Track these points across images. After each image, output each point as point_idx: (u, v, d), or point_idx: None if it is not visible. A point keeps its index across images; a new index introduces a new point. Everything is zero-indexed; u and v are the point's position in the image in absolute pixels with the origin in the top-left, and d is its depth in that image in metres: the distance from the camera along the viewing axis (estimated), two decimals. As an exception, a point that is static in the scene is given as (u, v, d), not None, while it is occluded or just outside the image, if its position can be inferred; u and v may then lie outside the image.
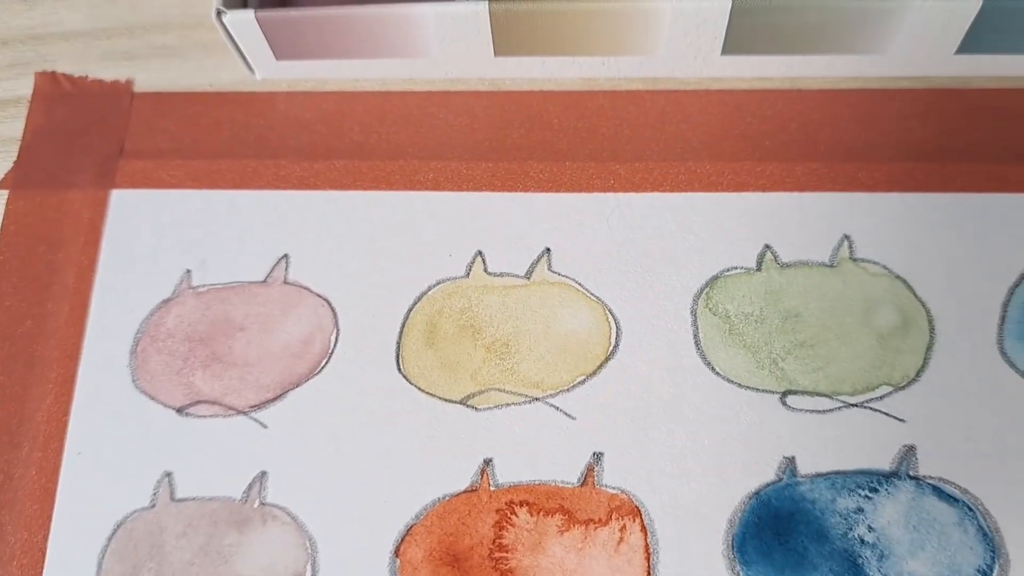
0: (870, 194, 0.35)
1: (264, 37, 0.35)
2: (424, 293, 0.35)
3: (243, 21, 0.34)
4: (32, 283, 0.36)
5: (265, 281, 0.35)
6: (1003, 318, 0.33)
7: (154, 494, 0.33)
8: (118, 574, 0.32)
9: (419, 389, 0.33)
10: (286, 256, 0.36)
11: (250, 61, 0.37)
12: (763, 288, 0.34)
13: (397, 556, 0.32)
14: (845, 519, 0.31)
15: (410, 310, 0.34)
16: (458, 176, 0.36)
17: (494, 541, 0.31)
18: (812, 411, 0.32)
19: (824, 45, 0.35)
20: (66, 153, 0.38)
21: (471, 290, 0.34)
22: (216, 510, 0.33)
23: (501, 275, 0.35)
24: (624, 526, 0.31)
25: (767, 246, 0.34)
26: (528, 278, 0.35)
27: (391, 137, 0.37)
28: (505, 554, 0.31)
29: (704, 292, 0.34)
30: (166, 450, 0.34)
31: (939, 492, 0.31)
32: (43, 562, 0.33)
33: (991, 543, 0.30)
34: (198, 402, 0.34)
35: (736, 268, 0.34)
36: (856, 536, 0.31)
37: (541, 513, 0.32)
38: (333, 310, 0.35)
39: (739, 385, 0.33)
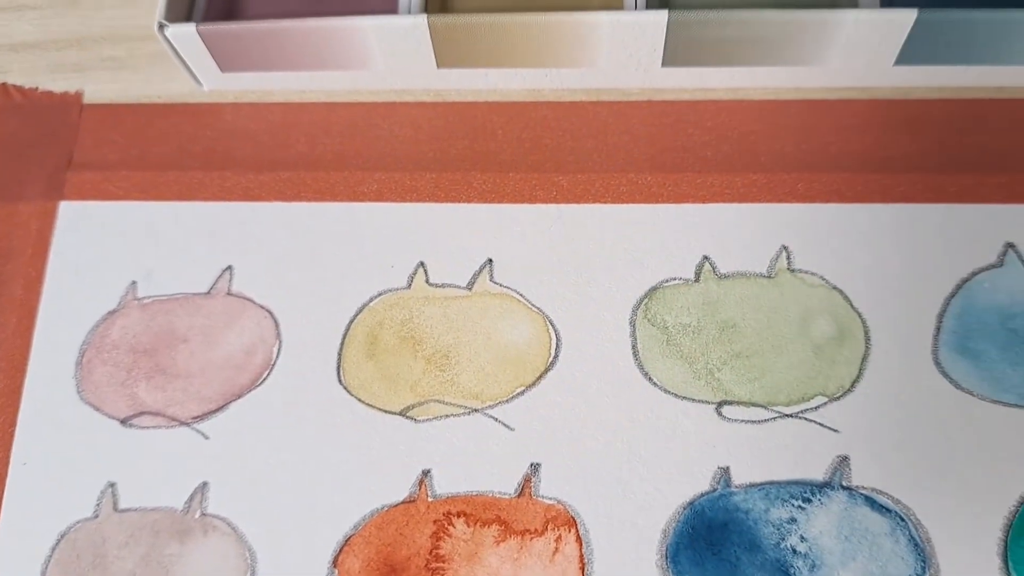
0: (809, 205, 0.35)
1: (207, 50, 0.35)
2: (366, 304, 0.35)
3: (185, 34, 0.35)
4: (-21, 294, 0.37)
5: (209, 293, 0.36)
6: (938, 329, 0.33)
7: (97, 504, 0.33)
8: (60, 585, 0.32)
9: (359, 400, 0.34)
10: (230, 267, 0.36)
11: (196, 73, 0.37)
12: (701, 299, 0.34)
13: (335, 566, 0.32)
14: (778, 529, 0.31)
15: (351, 321, 0.35)
16: (401, 187, 0.36)
17: (431, 551, 0.32)
18: (747, 421, 0.33)
19: (764, 57, 0.35)
20: (16, 165, 0.39)
21: (412, 301, 0.35)
22: (158, 520, 0.33)
23: (442, 286, 0.35)
24: (560, 536, 0.32)
25: (705, 257, 0.35)
26: (469, 289, 0.35)
27: (336, 148, 0.37)
28: (442, 564, 0.32)
29: (643, 303, 0.34)
30: (110, 461, 0.34)
31: (871, 502, 0.31)
32: (-13, 573, 0.33)
33: (922, 553, 0.31)
34: (141, 413, 0.34)
35: (675, 279, 0.34)
36: (788, 546, 0.31)
37: (478, 524, 0.32)
38: (276, 321, 0.35)
39: (676, 395, 0.33)
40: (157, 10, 0.35)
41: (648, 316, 0.34)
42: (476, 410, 0.33)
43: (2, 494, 0.34)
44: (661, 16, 0.33)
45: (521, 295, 0.35)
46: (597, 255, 0.35)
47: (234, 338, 0.35)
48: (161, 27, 0.35)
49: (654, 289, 0.34)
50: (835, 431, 0.32)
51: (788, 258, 0.34)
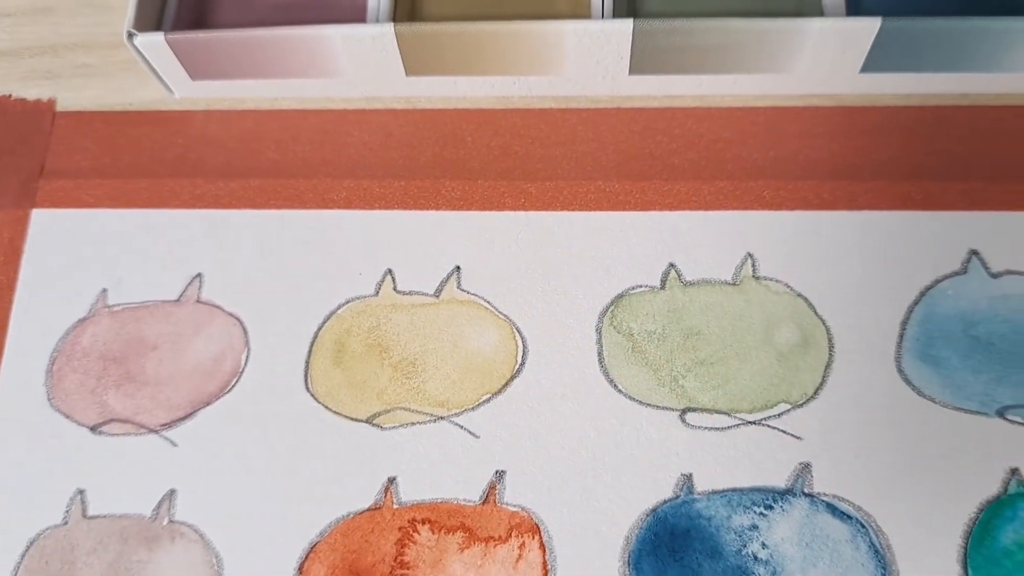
0: (775, 212, 0.35)
1: (177, 58, 0.35)
2: (333, 312, 0.35)
3: (154, 43, 0.35)
4: (-48, 302, 0.37)
5: (178, 300, 0.36)
6: (901, 336, 0.33)
7: (66, 511, 0.34)
8: (29, 591, 0.33)
9: (326, 408, 0.34)
10: (200, 275, 0.36)
11: (167, 81, 0.37)
12: (666, 306, 0.34)
13: (301, 573, 0.32)
14: (740, 536, 0.31)
15: (319, 329, 0.35)
16: (370, 194, 0.36)
17: (396, 558, 0.32)
18: (711, 428, 0.33)
19: (730, 65, 0.35)
20: (-12, 172, 0.39)
21: (380, 308, 0.35)
22: (126, 527, 0.33)
23: (410, 293, 0.35)
24: (523, 543, 0.32)
25: (671, 264, 0.35)
26: (437, 296, 0.35)
27: (306, 156, 0.37)
28: (406, 571, 0.32)
29: (609, 310, 0.34)
30: (79, 468, 0.34)
31: (833, 509, 0.32)
32: (-44, 579, 0.33)
33: (883, 560, 0.31)
34: (111, 420, 0.35)
35: (641, 286, 0.35)
36: (750, 553, 0.31)
37: (442, 531, 0.32)
38: (244, 329, 0.35)
39: (640, 402, 0.33)
40: (126, 19, 0.35)
41: (614, 323, 0.34)
42: (442, 418, 0.33)
43: (-28, 501, 0.34)
44: (626, 25, 0.33)
45: (488, 302, 0.35)
46: (564, 262, 0.35)
47: (203, 346, 0.35)
48: (130, 36, 0.35)
49: (620, 296, 0.35)
50: (798, 438, 0.33)
51: (753, 265, 0.35)
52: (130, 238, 0.37)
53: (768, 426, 0.33)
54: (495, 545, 0.32)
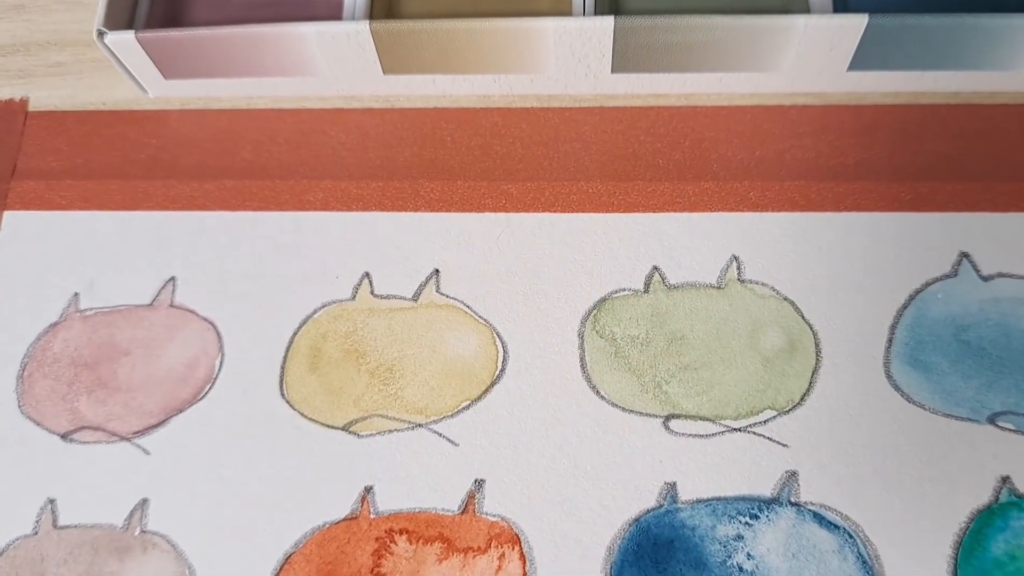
0: (761, 214, 0.34)
1: (148, 57, 0.35)
2: (309, 316, 0.34)
3: (125, 41, 0.34)
4: (-80, 306, 0.36)
5: (152, 304, 0.35)
6: (890, 341, 0.33)
7: (37, 521, 0.33)
8: (-3, 604, 0.32)
9: (302, 415, 0.33)
10: (173, 279, 0.35)
11: (139, 80, 0.36)
12: (650, 310, 0.33)
13: (276, 585, 0.31)
14: (724, 546, 0.31)
15: (295, 334, 0.34)
16: (348, 196, 0.36)
17: (372, 570, 0.31)
18: (695, 435, 0.32)
19: (715, 62, 0.34)
20: (-42, 173, 0.38)
21: (357, 313, 0.34)
22: (98, 538, 0.33)
23: (388, 297, 0.34)
24: (503, 554, 0.31)
25: (655, 267, 0.34)
26: (415, 300, 0.34)
27: (282, 156, 0.36)
28: (383, 583, 0.31)
29: (592, 314, 0.34)
30: (50, 476, 0.33)
31: (820, 519, 0.31)
32: (-76, 591, 0.32)
33: (871, 571, 0.30)
34: (82, 428, 0.34)
35: (624, 290, 0.34)
36: (735, 564, 0.31)
37: (420, 541, 0.31)
38: (218, 334, 0.34)
39: (623, 409, 0.33)
40: (97, 17, 0.34)
41: (597, 328, 0.33)
42: (420, 425, 0.33)
43: (-59, 510, 0.33)
44: (607, 22, 0.32)
45: (468, 307, 0.34)
46: (546, 265, 0.34)
47: (176, 351, 0.34)
48: (100, 34, 0.34)
49: (603, 300, 0.34)
50: (784, 445, 0.32)
51: (738, 268, 0.34)
52: (103, 241, 0.36)
53: (754, 433, 0.32)
54: (474, 556, 0.31)
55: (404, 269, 0.35)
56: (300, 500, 0.32)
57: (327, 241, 0.35)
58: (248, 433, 0.33)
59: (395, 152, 0.36)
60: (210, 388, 0.34)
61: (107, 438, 0.34)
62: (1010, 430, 0.32)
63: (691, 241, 0.34)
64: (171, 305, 0.35)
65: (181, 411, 0.34)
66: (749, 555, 0.31)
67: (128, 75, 0.36)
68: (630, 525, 0.31)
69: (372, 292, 0.34)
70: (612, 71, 0.35)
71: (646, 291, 0.34)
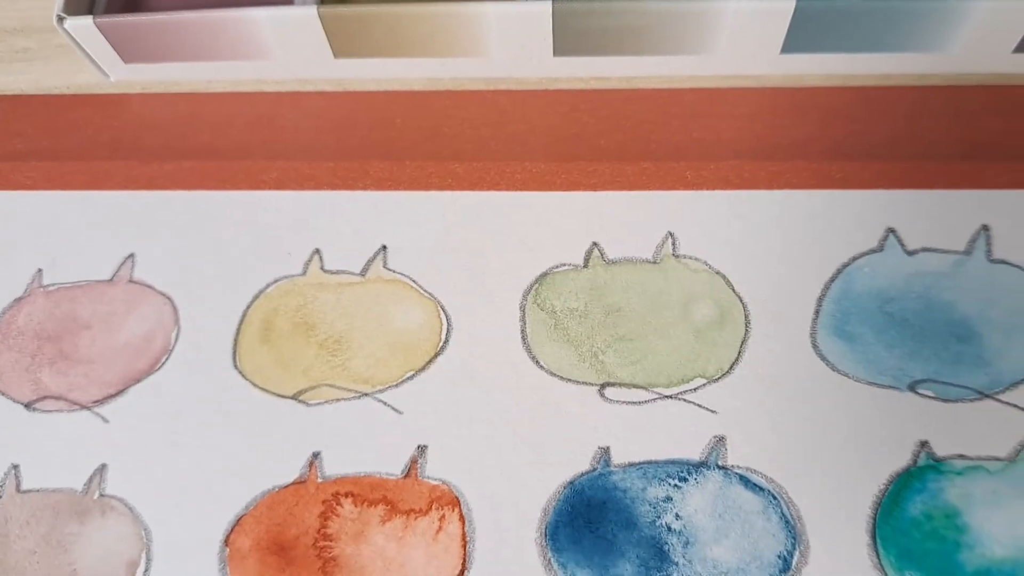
0: (697, 192, 0.36)
1: (108, 42, 0.36)
2: (262, 291, 0.36)
3: (83, 27, 0.35)
4: None
5: (111, 280, 0.36)
6: (817, 312, 0.34)
7: (0, 486, 0.34)
8: (-38, 564, 0.33)
9: (254, 385, 0.35)
10: (132, 255, 0.37)
11: (100, 65, 0.38)
12: (588, 284, 0.35)
13: (227, 545, 0.33)
14: (654, 507, 0.32)
15: (247, 308, 0.35)
16: (300, 175, 0.37)
17: (319, 531, 0.33)
18: (629, 403, 0.33)
19: (652, 46, 0.35)
20: (-72, 155, 0.39)
21: (307, 288, 0.35)
22: (59, 501, 0.34)
23: (337, 273, 0.36)
24: (443, 516, 0.33)
25: (595, 243, 0.35)
26: (363, 275, 0.36)
27: (239, 138, 0.38)
28: (329, 543, 0.32)
29: (533, 288, 0.35)
30: (13, 444, 0.35)
31: (745, 481, 0.32)
32: None
33: (793, 531, 0.32)
34: (45, 397, 0.35)
35: (564, 265, 0.35)
36: (664, 524, 0.32)
37: (365, 504, 0.33)
38: (175, 308, 0.36)
39: (561, 378, 0.34)
40: (56, 2, 0.36)
41: (537, 301, 0.35)
42: (366, 394, 0.34)
43: (-91, 477, 0.35)
44: (545, 6, 0.34)
45: (414, 281, 0.35)
46: (490, 242, 0.36)
47: (134, 324, 0.36)
48: (60, 19, 0.35)
49: (544, 275, 0.35)
50: (713, 412, 0.33)
51: (674, 244, 0.35)
52: (65, 219, 0.37)
53: (684, 400, 0.33)
54: (416, 517, 0.33)
55: (353, 245, 0.36)
56: (251, 465, 0.34)
57: (280, 219, 0.37)
58: (202, 402, 0.35)
59: (347, 134, 0.37)
60: (167, 359, 0.35)
61: (68, 407, 0.35)
62: (929, 397, 0.33)
63: (629, 218, 0.36)
64: (130, 281, 0.36)
65: (139, 381, 0.35)
66: (677, 515, 0.32)
67: (89, 59, 0.38)
68: (565, 487, 0.33)
69: (322, 268, 0.36)
70: (554, 55, 0.36)
71: (585, 266, 0.35)
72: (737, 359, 0.34)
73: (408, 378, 0.34)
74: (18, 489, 0.34)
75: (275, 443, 0.34)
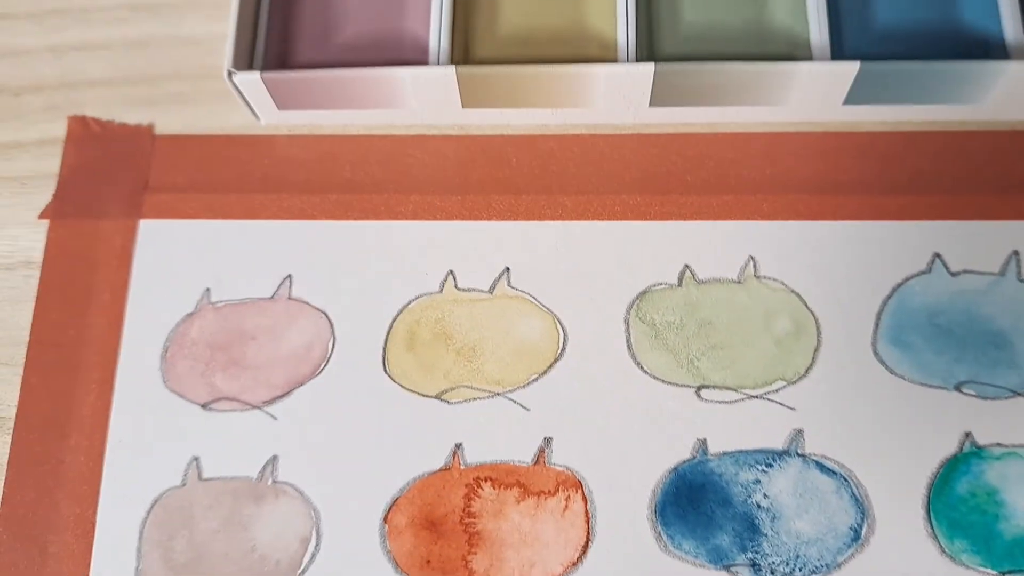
0: (772, 222, 0.42)
1: (268, 92, 0.42)
2: (405, 306, 0.42)
3: (250, 81, 0.41)
4: (73, 300, 0.43)
5: (272, 297, 0.42)
6: (877, 325, 0.40)
7: (184, 475, 0.40)
8: (156, 540, 0.39)
9: (401, 387, 0.41)
10: (289, 276, 0.43)
11: (256, 110, 0.44)
12: (683, 301, 0.41)
13: (386, 522, 0.39)
14: (745, 488, 0.39)
15: (393, 320, 0.41)
16: (432, 207, 0.43)
17: (464, 509, 0.39)
18: (721, 402, 0.40)
19: (735, 99, 0.42)
20: (98, 187, 0.45)
21: (444, 303, 0.42)
22: (237, 488, 0.40)
23: (469, 290, 0.42)
24: (569, 496, 0.39)
25: (687, 266, 0.42)
26: (491, 293, 0.42)
27: (376, 175, 0.44)
28: (473, 519, 0.39)
29: (635, 304, 0.41)
30: (193, 439, 0.41)
31: (821, 466, 0.39)
32: (93, 532, 0.40)
33: (862, 507, 0.38)
34: (219, 399, 0.41)
35: (661, 284, 0.41)
36: (754, 502, 0.38)
37: (502, 487, 0.39)
38: (330, 321, 0.42)
39: (662, 381, 0.40)
40: (225, 59, 0.42)
41: (639, 315, 0.41)
42: (498, 394, 0.40)
43: (102, 467, 0.41)
44: (648, 68, 0.40)
45: (534, 297, 0.42)
46: (596, 263, 0.42)
47: (295, 335, 0.42)
48: (230, 74, 0.41)
49: (644, 292, 0.41)
50: (792, 409, 0.39)
51: (754, 266, 0.42)
52: (227, 244, 0.43)
53: (768, 399, 0.40)
54: (545, 498, 0.39)
55: (481, 267, 0.42)
56: (402, 455, 0.40)
57: (417, 244, 0.43)
58: (358, 401, 0.41)
59: (470, 172, 0.44)
60: (325, 365, 0.41)
61: (241, 407, 0.41)
62: (972, 395, 0.39)
63: (715, 244, 0.42)
64: (289, 298, 0.42)
65: (302, 384, 0.41)
66: (765, 495, 0.38)
67: (247, 106, 0.44)
68: (670, 472, 0.39)
69: (456, 286, 0.42)
70: (650, 105, 0.42)
71: (679, 285, 0.42)
72: (811, 365, 0.40)
73: (533, 380, 0.40)
74: (200, 478, 0.40)
75: (422, 436, 0.40)
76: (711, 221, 0.42)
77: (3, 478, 0.40)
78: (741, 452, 0.39)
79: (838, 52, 0.41)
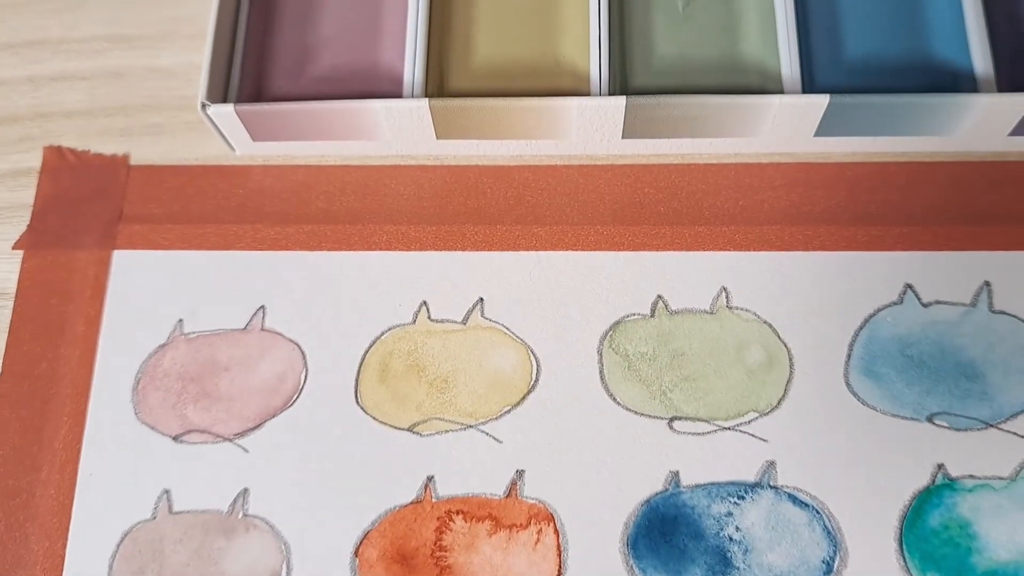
0: (744, 253, 0.42)
1: (242, 124, 0.42)
2: (378, 338, 0.42)
3: (224, 113, 0.41)
4: (46, 331, 0.43)
5: (245, 328, 0.42)
6: (849, 356, 0.41)
7: (155, 508, 0.40)
8: (126, 574, 0.39)
9: (374, 419, 0.41)
10: (263, 307, 0.43)
11: (230, 141, 0.44)
12: (656, 331, 0.41)
13: (356, 556, 0.39)
14: (718, 521, 0.39)
15: (366, 352, 0.41)
16: (407, 238, 0.43)
17: (435, 543, 0.39)
18: (693, 433, 0.40)
19: (707, 131, 0.42)
20: (72, 218, 0.45)
21: (417, 334, 0.42)
22: (207, 520, 0.40)
23: (442, 321, 0.42)
24: (540, 529, 0.39)
25: (659, 296, 0.42)
26: (465, 324, 0.42)
27: (350, 205, 0.44)
28: (444, 553, 0.39)
29: (608, 335, 0.41)
30: (164, 471, 0.41)
31: (793, 499, 0.39)
32: (62, 566, 0.39)
33: (834, 540, 0.38)
34: (191, 431, 0.41)
35: (634, 315, 0.42)
36: (726, 535, 0.38)
37: (474, 520, 0.39)
38: (303, 353, 0.42)
39: (635, 412, 0.40)
40: (200, 91, 0.42)
41: (612, 346, 0.41)
42: (471, 426, 0.40)
43: (72, 500, 0.40)
44: (620, 101, 0.40)
45: (507, 328, 0.42)
46: (570, 294, 0.42)
47: (268, 367, 0.42)
48: (204, 106, 0.42)
49: (617, 323, 0.42)
50: (764, 440, 0.40)
51: (727, 297, 0.42)
52: (201, 275, 0.43)
53: (740, 431, 0.40)
54: (517, 531, 0.39)
55: (455, 298, 0.42)
56: (374, 488, 0.40)
57: (390, 275, 0.43)
58: (330, 434, 0.41)
59: (445, 202, 0.44)
60: (297, 397, 0.41)
61: (212, 439, 0.41)
62: (944, 427, 0.40)
63: (688, 275, 0.42)
64: (262, 329, 0.42)
65: (274, 416, 0.41)
66: (737, 528, 0.38)
67: (222, 137, 0.44)
68: (642, 505, 0.39)
69: (429, 317, 0.42)
70: (623, 137, 0.43)
71: (652, 316, 0.42)
72: (783, 396, 0.40)
73: (506, 412, 0.40)
74: (170, 511, 0.40)
75: (394, 469, 0.40)
76: (684, 252, 0.42)
77: (-29, 512, 0.40)
78: (713, 484, 0.39)
79: (809, 85, 0.42)
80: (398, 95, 0.42)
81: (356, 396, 0.41)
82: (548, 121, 0.41)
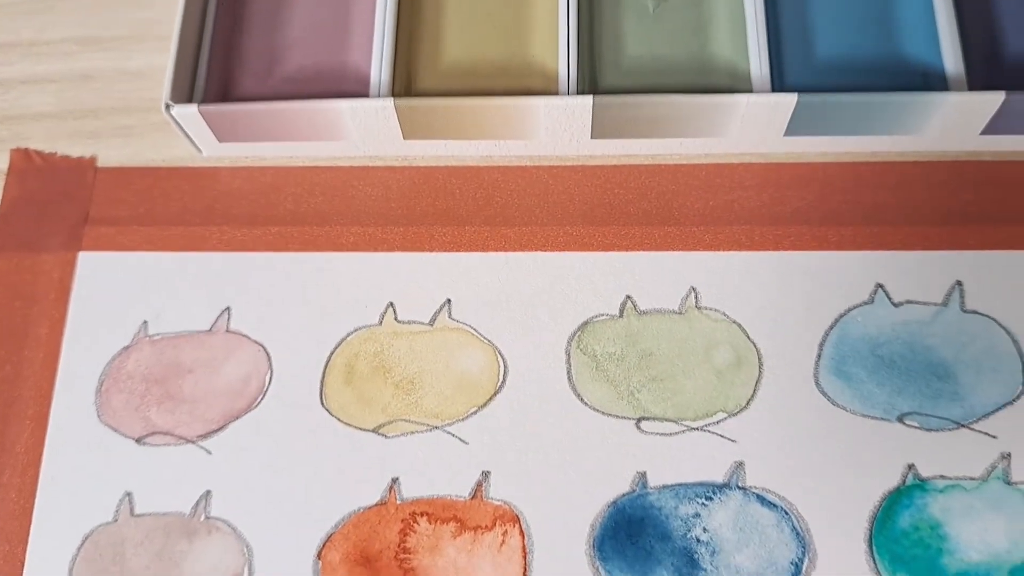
0: (714, 252, 0.42)
1: (207, 125, 0.42)
2: (343, 339, 0.41)
3: (189, 114, 0.41)
4: (10, 334, 0.43)
5: (210, 330, 0.42)
6: (819, 356, 0.40)
7: (116, 511, 0.40)
8: (86, 579, 0.39)
9: (339, 420, 0.40)
10: (228, 309, 0.42)
11: (196, 142, 0.44)
12: (624, 332, 0.41)
13: (319, 559, 0.38)
14: (685, 522, 0.38)
15: (332, 353, 0.41)
16: (374, 239, 0.43)
17: (399, 545, 0.38)
18: (661, 434, 0.39)
19: (675, 130, 0.42)
20: (38, 220, 0.45)
21: (383, 336, 0.41)
22: (169, 523, 0.39)
23: (409, 323, 0.42)
24: (506, 531, 0.38)
25: (628, 296, 0.41)
26: (431, 325, 0.41)
27: (318, 206, 0.44)
28: (408, 555, 0.38)
29: (576, 335, 0.41)
30: (127, 474, 0.40)
31: (761, 499, 0.38)
32: (22, 571, 0.39)
33: (803, 541, 0.38)
34: (153, 433, 0.41)
35: (603, 315, 0.41)
36: (694, 536, 0.38)
37: (438, 522, 0.38)
38: (268, 354, 0.41)
39: (603, 413, 0.40)
40: (164, 92, 0.42)
41: (580, 346, 0.41)
42: (437, 427, 0.40)
43: (34, 503, 0.40)
44: (587, 100, 0.40)
45: (475, 329, 0.41)
46: (538, 295, 0.42)
47: (232, 369, 0.41)
48: (168, 107, 0.41)
49: (585, 323, 0.41)
50: (733, 441, 0.39)
51: (696, 297, 0.41)
52: (166, 277, 0.43)
53: (708, 431, 0.39)
54: (482, 533, 0.38)
55: (421, 299, 0.42)
56: (338, 490, 0.39)
57: (357, 277, 0.42)
58: (294, 436, 0.40)
59: (413, 203, 0.43)
60: (262, 399, 0.41)
61: (175, 441, 0.41)
62: (914, 427, 0.39)
63: (657, 275, 0.42)
64: (227, 331, 0.42)
65: (238, 418, 0.41)
66: (705, 529, 0.38)
67: (188, 138, 0.43)
68: (609, 506, 0.38)
69: (395, 318, 0.42)
70: (592, 137, 0.42)
71: (621, 316, 0.41)
72: (752, 396, 0.40)
73: (472, 413, 0.40)
74: (132, 513, 0.40)
75: (359, 470, 0.39)
76: (653, 252, 0.42)
77: (-71, 515, 0.40)
78: (681, 485, 0.38)
79: (779, 84, 0.42)
80: (365, 95, 0.42)
81: (321, 398, 0.40)
82: (515, 121, 0.41)
